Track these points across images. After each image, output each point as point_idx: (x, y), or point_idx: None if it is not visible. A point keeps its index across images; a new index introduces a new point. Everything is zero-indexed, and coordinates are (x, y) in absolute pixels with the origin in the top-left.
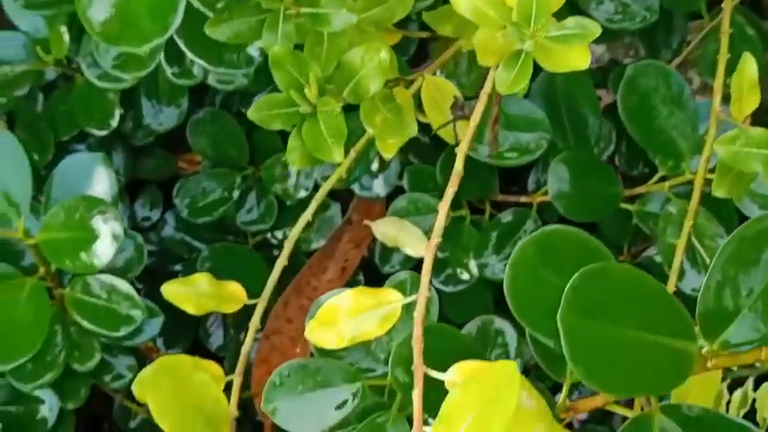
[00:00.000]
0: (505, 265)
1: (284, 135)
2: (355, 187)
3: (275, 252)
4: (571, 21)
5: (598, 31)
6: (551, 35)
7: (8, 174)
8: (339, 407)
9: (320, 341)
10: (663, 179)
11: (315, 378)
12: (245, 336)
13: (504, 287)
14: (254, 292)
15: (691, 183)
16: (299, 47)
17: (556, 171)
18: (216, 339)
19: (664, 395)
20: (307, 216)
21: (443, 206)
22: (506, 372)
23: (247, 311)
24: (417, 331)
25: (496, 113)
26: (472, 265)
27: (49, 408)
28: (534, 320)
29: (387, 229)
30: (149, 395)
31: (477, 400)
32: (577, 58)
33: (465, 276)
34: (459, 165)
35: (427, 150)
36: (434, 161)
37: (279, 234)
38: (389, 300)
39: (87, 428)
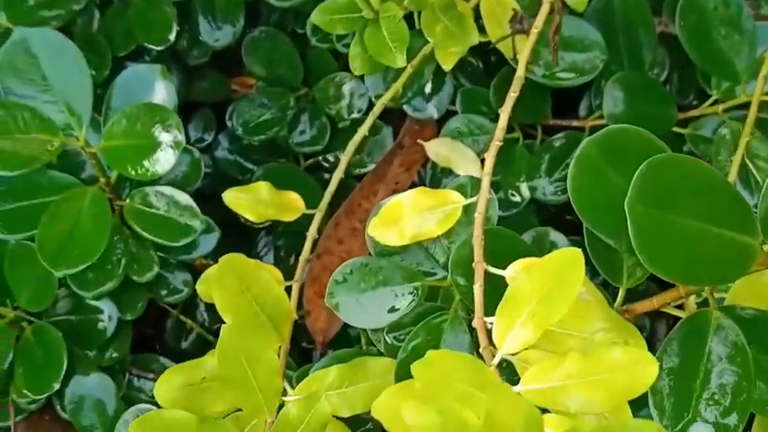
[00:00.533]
0: (557, 188)
1: (338, 55)
2: (408, 109)
3: (326, 175)
4: None
5: None
6: None
7: (70, 84)
8: (399, 304)
9: (382, 238)
10: (716, 103)
11: (376, 276)
12: (299, 253)
13: (568, 186)
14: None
15: (744, 106)
16: None
17: (611, 91)
18: (266, 261)
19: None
20: (363, 130)
21: (506, 109)
22: (570, 256)
23: (298, 236)
24: (478, 231)
25: (558, 22)
26: (524, 188)
27: (108, 317)
28: (595, 218)
29: (439, 149)
30: (215, 291)
31: (541, 283)
32: None
33: (516, 199)
34: (520, 71)
35: (479, 75)
36: (487, 86)
37: (330, 157)
38: (451, 200)
39: (140, 347)
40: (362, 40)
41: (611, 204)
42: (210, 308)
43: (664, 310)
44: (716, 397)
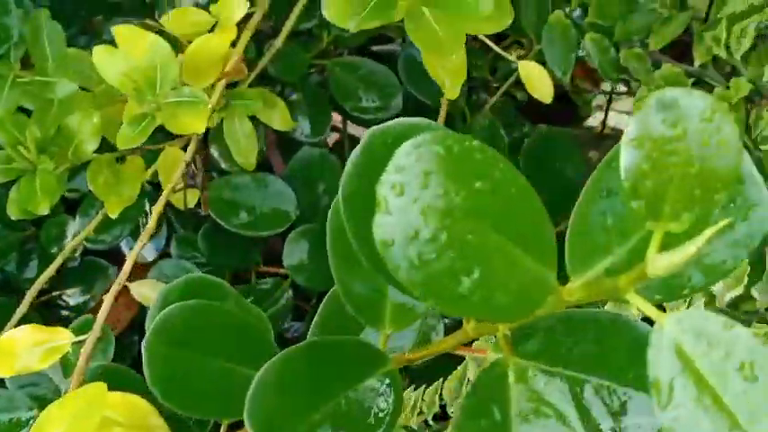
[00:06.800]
0: None
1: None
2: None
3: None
4: (187, 90)
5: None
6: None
7: None
8: None
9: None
10: None
11: None
12: None
13: None
14: None
15: None
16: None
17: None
18: None
19: None
20: (52, 270)
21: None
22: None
23: None
24: (80, 362)
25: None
26: None
27: None
28: None
29: (144, 290)
30: None
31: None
32: (194, 123)
33: None
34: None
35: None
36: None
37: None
38: (59, 337)
39: None
40: (18, 188)
41: None
42: None
43: None
44: None
